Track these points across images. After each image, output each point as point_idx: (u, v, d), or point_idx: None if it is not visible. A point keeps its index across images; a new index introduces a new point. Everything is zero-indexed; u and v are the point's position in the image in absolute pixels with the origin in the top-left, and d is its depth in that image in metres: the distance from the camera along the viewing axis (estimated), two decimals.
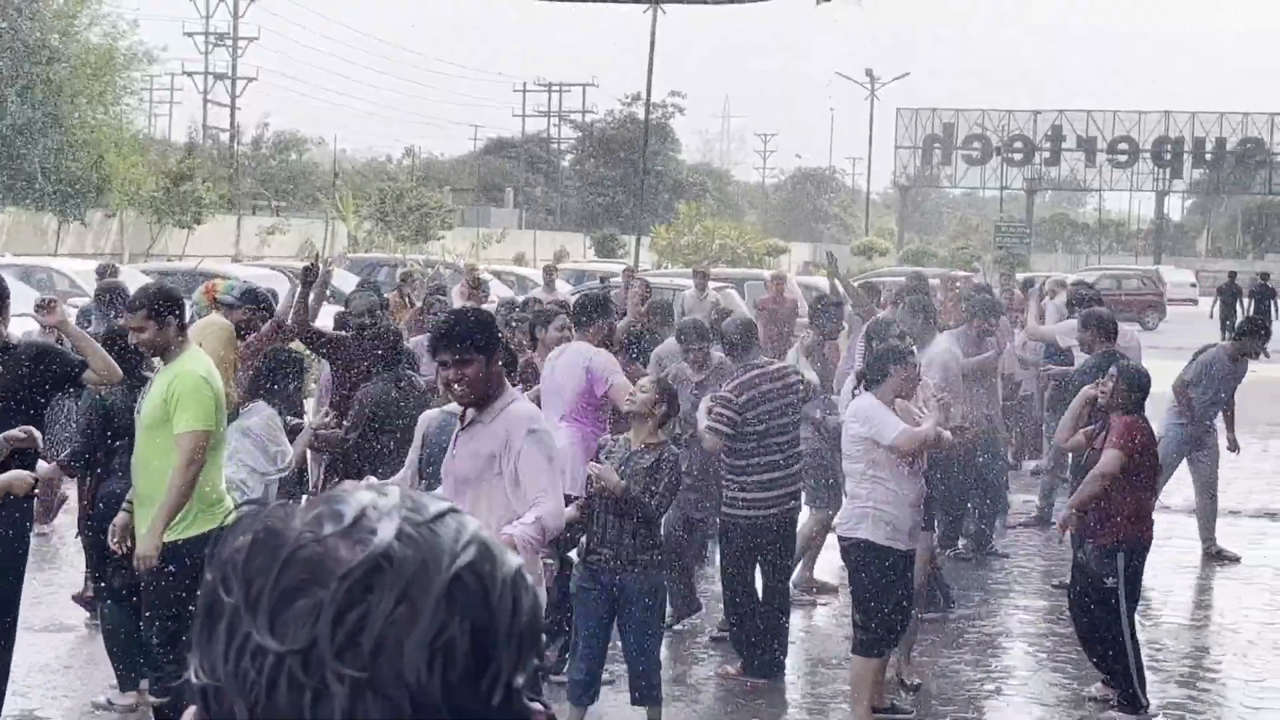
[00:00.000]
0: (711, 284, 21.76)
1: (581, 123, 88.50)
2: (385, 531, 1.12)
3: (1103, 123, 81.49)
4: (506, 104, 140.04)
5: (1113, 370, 8.42)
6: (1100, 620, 8.10)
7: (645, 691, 7.31)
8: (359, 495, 1.17)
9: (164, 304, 6.81)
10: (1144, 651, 8.35)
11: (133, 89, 45.79)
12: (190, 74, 75.18)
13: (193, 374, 6.73)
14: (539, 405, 8.84)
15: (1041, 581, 11.47)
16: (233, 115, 71.96)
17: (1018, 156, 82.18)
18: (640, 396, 7.28)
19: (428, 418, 7.15)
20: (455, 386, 5.72)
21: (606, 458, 7.26)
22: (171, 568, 6.70)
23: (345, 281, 25.92)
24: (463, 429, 5.86)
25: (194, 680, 1.14)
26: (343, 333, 10.47)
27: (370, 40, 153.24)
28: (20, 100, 37.58)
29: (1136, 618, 8.22)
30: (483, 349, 5.68)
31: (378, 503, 1.15)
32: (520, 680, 1.13)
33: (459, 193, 73.35)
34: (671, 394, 7.44)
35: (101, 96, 41.81)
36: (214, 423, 6.73)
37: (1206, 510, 12.34)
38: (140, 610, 7.49)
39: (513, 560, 1.16)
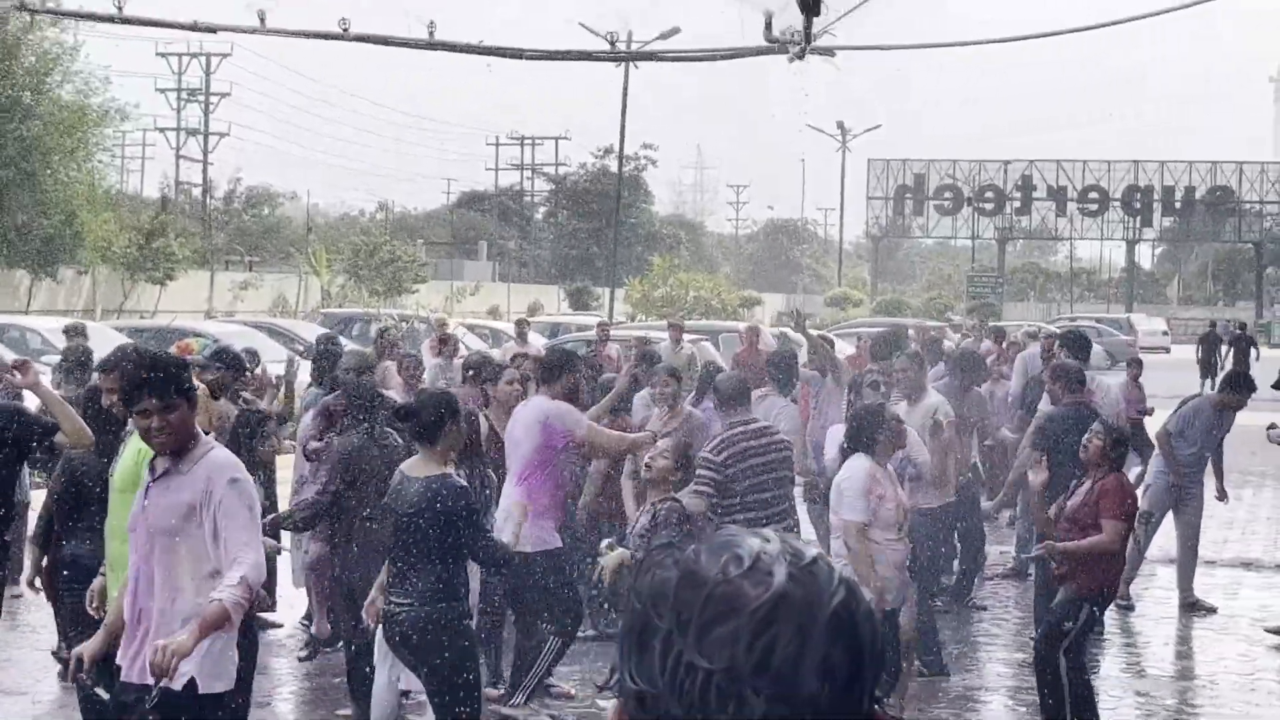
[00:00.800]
0: (686, 336, 21.80)
1: (554, 175, 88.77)
2: (779, 574, 1.43)
3: (1073, 172, 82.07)
4: (479, 157, 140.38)
5: (1096, 427, 8.45)
6: (1043, 656, 8.14)
7: None
8: (750, 541, 1.48)
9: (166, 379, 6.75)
10: (1107, 698, 8.38)
11: (105, 146, 45.78)
12: (162, 130, 75.22)
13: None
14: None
15: (1020, 633, 11.45)
16: (205, 170, 72.07)
17: (989, 206, 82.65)
18: (659, 464, 7.31)
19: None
20: (158, 435, 5.51)
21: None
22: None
23: (312, 333, 25.94)
24: (156, 479, 5.65)
25: (630, 685, 1.46)
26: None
27: (342, 95, 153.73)
28: None
29: (1115, 669, 8.24)
30: (185, 394, 5.57)
31: (766, 548, 1.47)
32: (879, 692, 1.47)
33: (432, 246, 73.44)
34: (689, 460, 7.50)
35: (74, 154, 41.75)
36: None
37: (1186, 561, 12.35)
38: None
39: (868, 596, 1.48)
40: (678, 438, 8.06)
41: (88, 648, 5.76)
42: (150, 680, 5.33)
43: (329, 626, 10.25)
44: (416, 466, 6.89)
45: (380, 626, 7.08)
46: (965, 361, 12.54)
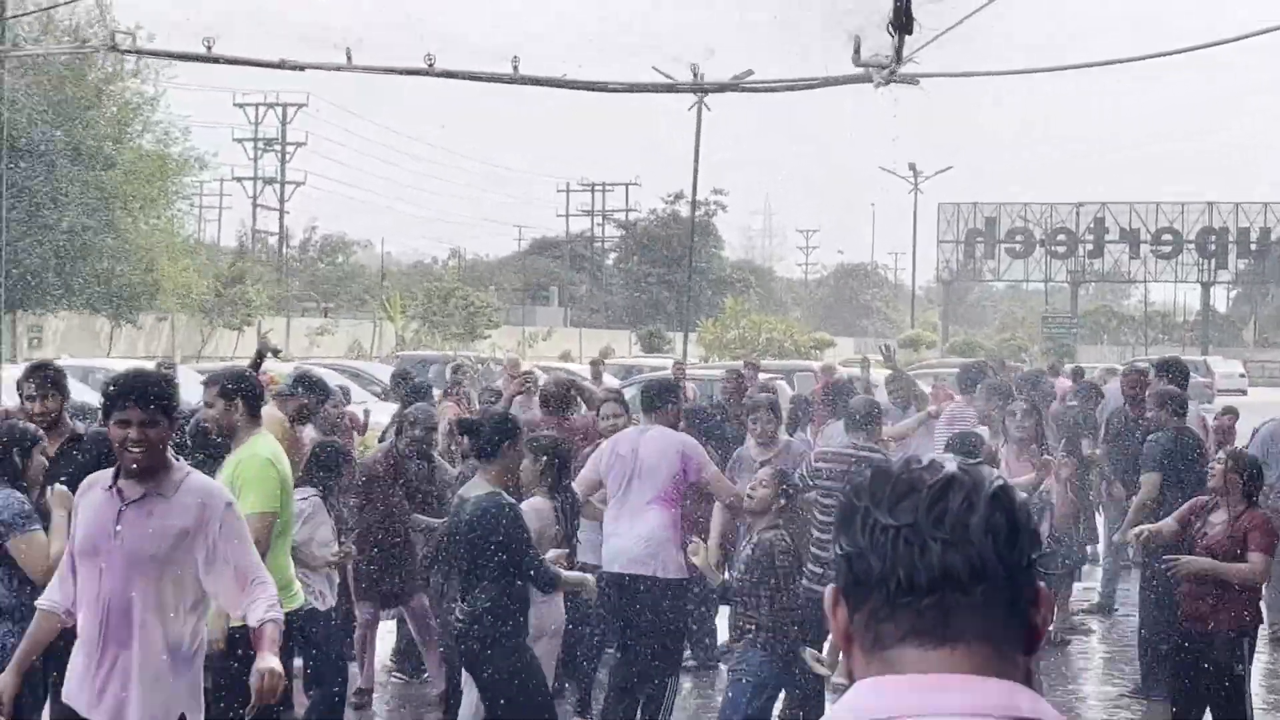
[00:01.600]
0: (761, 375, 21.82)
1: (625, 221, 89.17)
2: (950, 466, 1.83)
3: (1146, 214, 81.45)
4: (550, 204, 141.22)
5: (1222, 455, 8.39)
6: (1224, 708, 7.97)
7: None
8: (929, 456, 1.90)
9: (234, 385, 6.88)
10: None
11: (184, 194, 46.52)
12: (239, 179, 76.30)
13: (257, 457, 6.76)
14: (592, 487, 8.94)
15: (1106, 669, 11.37)
16: (281, 219, 72.93)
17: (1061, 249, 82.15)
18: (760, 493, 7.35)
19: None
20: (135, 448, 5.12)
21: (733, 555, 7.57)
22: (240, 651, 6.59)
23: (388, 375, 26.15)
24: (130, 504, 5.19)
25: (838, 551, 1.84)
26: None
27: (413, 143, 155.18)
28: (76, 207, 38.21)
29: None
30: (168, 412, 5.26)
31: (940, 457, 1.88)
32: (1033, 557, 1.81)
33: (504, 292, 73.94)
34: (790, 487, 7.54)
35: (154, 202, 42.46)
36: (278, 505, 6.72)
37: (1276, 593, 12.18)
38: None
39: (1022, 494, 1.86)
40: (776, 466, 8.10)
41: (5, 688, 5.27)
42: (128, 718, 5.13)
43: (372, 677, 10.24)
44: (472, 486, 7.07)
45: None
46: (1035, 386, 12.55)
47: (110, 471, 5.26)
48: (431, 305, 56.28)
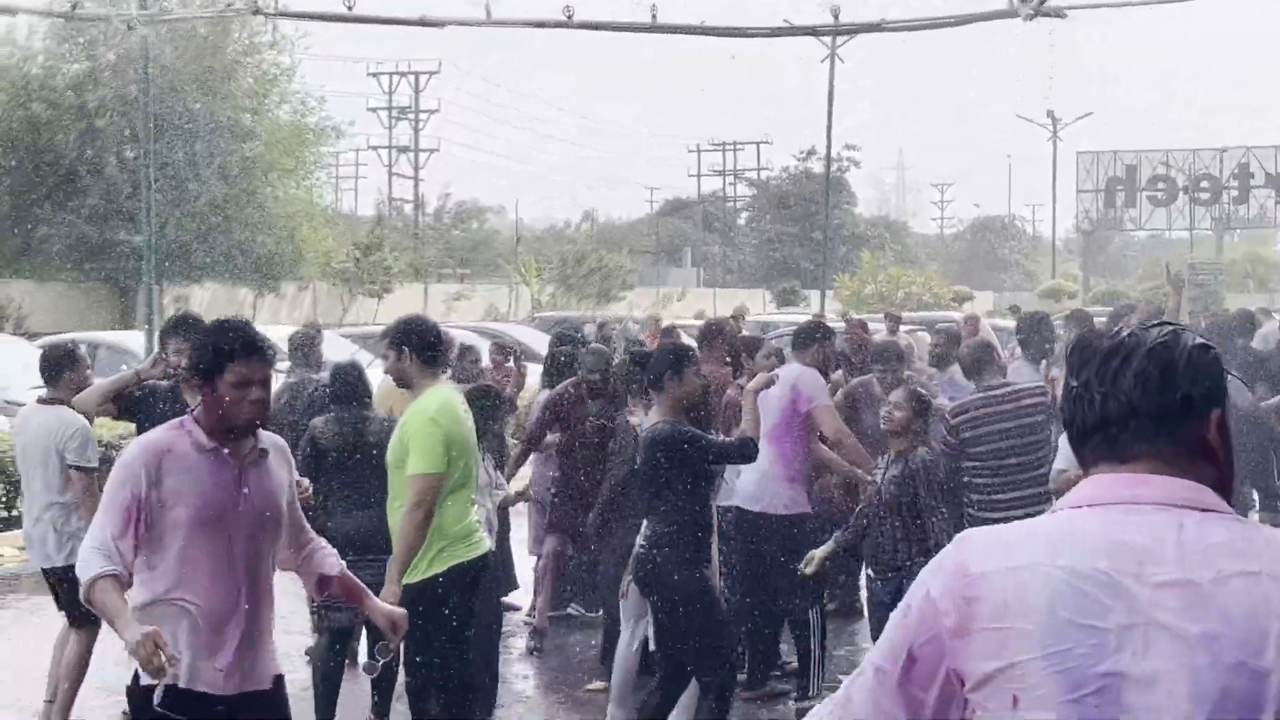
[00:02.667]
0: (903, 328, 21.60)
1: (756, 180, 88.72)
2: (1125, 333, 2.33)
3: None
4: (682, 165, 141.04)
5: None
6: None
7: None
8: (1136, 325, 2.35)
9: (403, 334, 6.88)
10: None
11: (322, 164, 47.07)
12: (375, 148, 77.10)
13: (422, 414, 6.72)
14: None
15: None
16: (416, 186, 73.62)
17: (1204, 196, 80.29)
18: (897, 415, 7.39)
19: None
20: (255, 407, 4.84)
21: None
22: (420, 608, 6.54)
23: (534, 339, 26.30)
24: (251, 463, 4.92)
25: (1066, 400, 2.38)
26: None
27: (545, 107, 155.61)
28: (217, 178, 38.85)
29: None
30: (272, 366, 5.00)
31: (1140, 326, 2.34)
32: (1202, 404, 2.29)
33: (637, 254, 74.01)
34: (925, 404, 7.53)
35: (293, 172, 43.01)
36: (443, 465, 6.65)
37: None
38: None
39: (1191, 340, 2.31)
40: (909, 387, 8.02)
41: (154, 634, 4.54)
42: (261, 685, 4.94)
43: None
44: (649, 418, 7.17)
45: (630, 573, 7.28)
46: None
47: (185, 431, 4.82)
48: (566, 269, 56.52)
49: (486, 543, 7.01)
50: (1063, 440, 8.00)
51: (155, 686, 4.62)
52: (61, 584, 7.98)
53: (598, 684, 9.20)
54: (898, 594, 7.19)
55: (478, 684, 7.97)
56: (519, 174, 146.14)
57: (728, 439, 7.40)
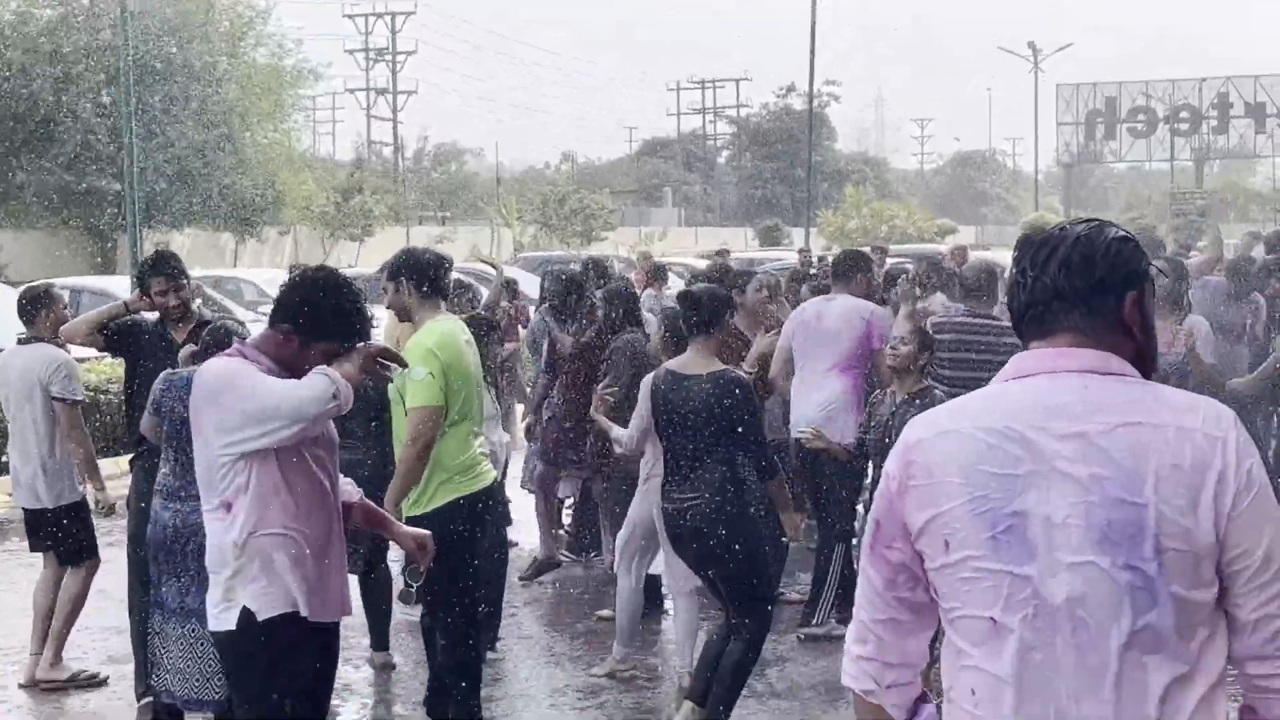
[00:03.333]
0: (890, 260, 21.53)
1: (736, 118, 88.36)
2: (1055, 230, 2.72)
3: (1271, 87, 79.22)
4: (661, 104, 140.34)
5: None
6: None
7: None
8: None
9: (401, 266, 6.79)
10: None
11: (299, 107, 46.75)
12: (352, 90, 76.54)
13: (420, 347, 6.62)
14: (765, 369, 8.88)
15: None
16: (395, 128, 73.12)
17: (1184, 127, 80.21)
18: (902, 350, 7.25)
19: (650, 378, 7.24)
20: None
21: (872, 412, 7.36)
22: None
23: (523, 281, 26.16)
24: None
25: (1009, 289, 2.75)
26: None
27: (522, 47, 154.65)
28: (194, 123, 38.53)
29: None
30: None
31: (1069, 221, 2.74)
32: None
33: (617, 195, 73.75)
34: (930, 342, 7.42)
35: (271, 115, 42.70)
36: (441, 398, 6.56)
37: None
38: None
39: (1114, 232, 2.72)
40: (914, 321, 7.96)
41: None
42: (347, 611, 4.97)
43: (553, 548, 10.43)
44: (693, 363, 6.84)
45: (664, 527, 7.05)
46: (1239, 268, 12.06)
47: (259, 364, 4.69)
48: (547, 210, 56.30)
49: (491, 474, 6.93)
50: None
51: (275, 619, 4.60)
52: (51, 527, 7.91)
53: (606, 612, 9.22)
54: None
55: (483, 617, 7.97)
56: (498, 116, 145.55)
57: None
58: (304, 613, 4.68)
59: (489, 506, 6.92)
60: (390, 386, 6.80)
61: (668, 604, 8.70)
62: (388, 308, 6.94)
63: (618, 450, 7.66)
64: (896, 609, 2.71)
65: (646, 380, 7.19)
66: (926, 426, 2.68)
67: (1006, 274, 11.06)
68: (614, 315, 9.51)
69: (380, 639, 8.27)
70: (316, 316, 4.71)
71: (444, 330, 6.74)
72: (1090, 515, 2.49)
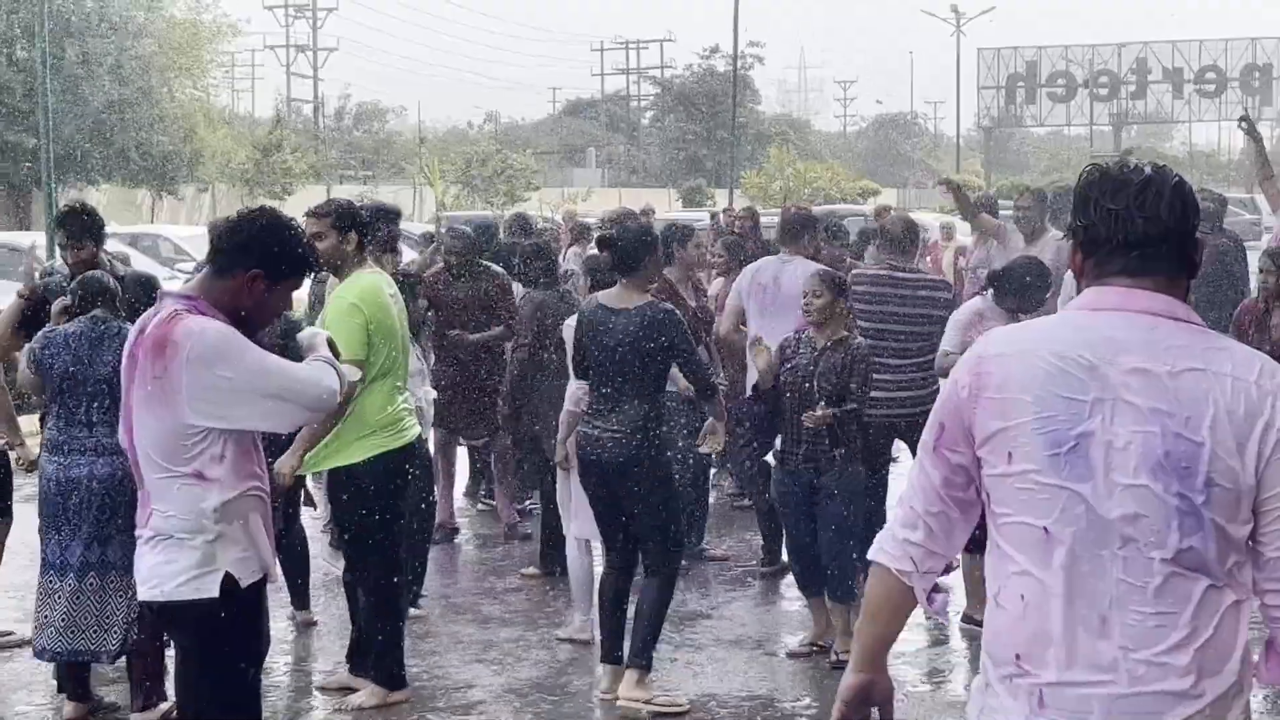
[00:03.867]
0: None
1: (660, 79, 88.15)
2: (1148, 170, 2.86)
3: (1189, 53, 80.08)
4: (585, 64, 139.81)
5: (1264, 260, 8.20)
6: None
7: (842, 591, 7.30)
8: (1134, 160, 2.84)
9: (349, 218, 6.72)
10: None
11: (218, 63, 46.15)
12: (272, 47, 75.65)
13: (343, 300, 6.59)
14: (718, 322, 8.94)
15: None
16: (316, 86, 72.37)
17: (1103, 92, 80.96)
18: (816, 304, 7.24)
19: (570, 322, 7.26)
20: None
21: (789, 357, 7.30)
22: (344, 496, 6.67)
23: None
24: None
25: (1080, 223, 2.89)
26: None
27: (445, 4, 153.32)
28: (111, 78, 37.93)
29: None
30: None
31: (1137, 161, 2.86)
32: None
33: (541, 155, 73.46)
34: (841, 285, 7.42)
35: (189, 71, 42.14)
36: (362, 352, 6.50)
37: None
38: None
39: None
40: (819, 270, 7.95)
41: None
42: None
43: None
44: (619, 298, 6.78)
45: (578, 456, 6.96)
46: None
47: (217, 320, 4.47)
48: (470, 170, 55.95)
49: (415, 430, 6.88)
50: (951, 321, 8.04)
51: (245, 585, 4.46)
52: None
53: (531, 569, 9.24)
54: (812, 489, 7.24)
55: (406, 571, 7.94)
56: (420, 74, 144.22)
57: (703, 362, 7.22)
58: (271, 578, 4.62)
59: (413, 462, 6.89)
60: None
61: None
62: (319, 256, 6.78)
63: (572, 408, 7.53)
64: (949, 505, 2.96)
65: (571, 320, 7.19)
66: (1005, 343, 2.90)
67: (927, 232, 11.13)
68: (530, 273, 9.51)
69: (301, 598, 8.21)
70: (282, 255, 4.54)
71: (368, 284, 6.67)
72: (1149, 444, 2.74)
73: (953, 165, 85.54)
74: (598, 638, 7.30)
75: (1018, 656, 2.82)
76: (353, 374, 4.49)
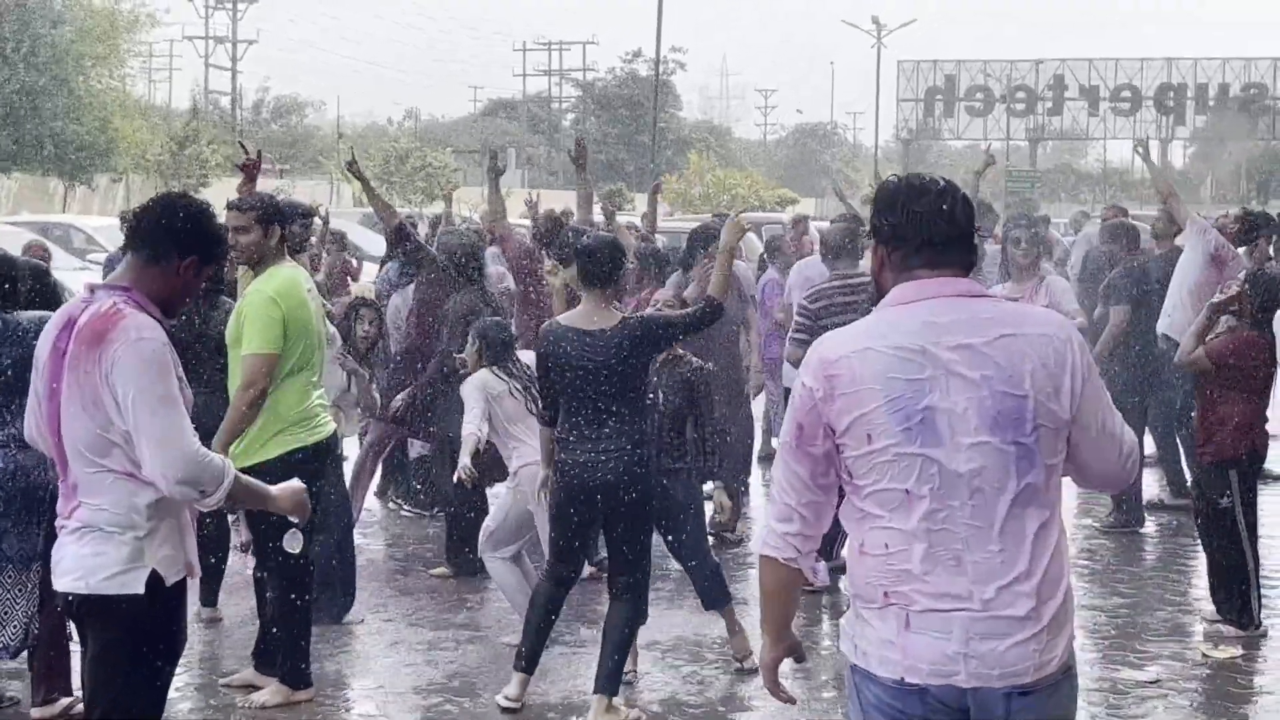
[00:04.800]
0: None
1: (582, 81, 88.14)
2: (941, 182, 3.50)
3: (1105, 71, 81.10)
4: (506, 64, 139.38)
5: (1242, 276, 8.30)
6: (1218, 544, 7.98)
7: (715, 596, 7.35)
8: (929, 174, 3.63)
9: (273, 212, 6.69)
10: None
11: (136, 52, 45.63)
12: (190, 38, 74.85)
13: (261, 294, 6.54)
14: None
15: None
16: (234, 78, 71.69)
17: (1020, 107, 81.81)
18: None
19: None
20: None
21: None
22: None
23: (365, 240, 25.84)
24: None
25: (886, 222, 3.46)
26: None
27: (369, 1, 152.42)
28: (26, 65, 37.38)
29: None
30: None
31: (932, 174, 3.56)
32: None
33: (461, 154, 73.19)
34: (683, 300, 7.68)
35: (106, 60, 41.63)
36: (277, 346, 6.49)
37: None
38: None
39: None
40: (675, 289, 8.14)
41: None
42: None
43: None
44: (589, 318, 6.52)
45: (561, 483, 6.64)
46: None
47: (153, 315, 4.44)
48: (389, 166, 55.66)
49: (330, 427, 6.84)
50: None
51: (171, 584, 4.39)
52: None
53: (441, 569, 9.22)
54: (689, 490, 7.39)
55: (326, 572, 7.91)
56: (340, 69, 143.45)
57: (687, 310, 6.92)
58: (192, 575, 4.55)
59: (325, 459, 6.84)
60: (227, 332, 6.71)
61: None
62: (239, 248, 6.73)
63: (471, 444, 7.48)
64: (817, 493, 3.44)
65: (555, 331, 6.65)
66: (843, 346, 3.40)
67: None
68: (453, 270, 9.40)
69: (211, 595, 8.14)
70: (213, 238, 4.51)
71: (285, 277, 6.64)
72: (982, 406, 3.30)
73: (871, 176, 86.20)
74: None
75: (885, 594, 3.34)
76: (226, 475, 4.32)
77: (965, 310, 3.37)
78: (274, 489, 4.56)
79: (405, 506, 10.94)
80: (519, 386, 7.69)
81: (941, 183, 3.45)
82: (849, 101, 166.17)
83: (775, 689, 3.64)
